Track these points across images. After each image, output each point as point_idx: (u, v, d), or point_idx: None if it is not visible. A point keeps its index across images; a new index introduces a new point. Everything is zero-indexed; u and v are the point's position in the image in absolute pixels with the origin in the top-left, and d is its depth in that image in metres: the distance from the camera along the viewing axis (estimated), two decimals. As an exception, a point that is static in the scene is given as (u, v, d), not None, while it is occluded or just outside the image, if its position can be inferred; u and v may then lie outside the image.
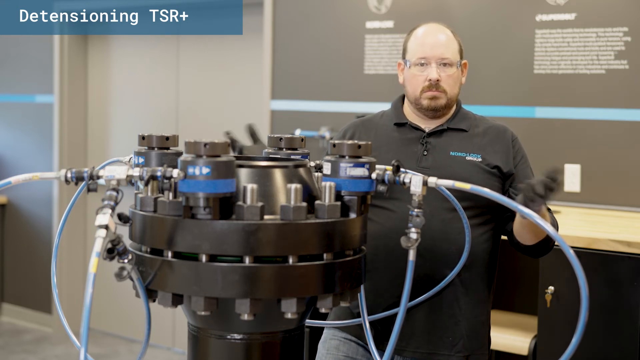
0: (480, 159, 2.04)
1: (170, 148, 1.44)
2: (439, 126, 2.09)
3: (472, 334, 2.06)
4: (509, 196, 2.04)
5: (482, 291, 2.08)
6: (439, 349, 2.03)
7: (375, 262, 1.99)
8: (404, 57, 2.13)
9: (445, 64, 2.05)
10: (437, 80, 2.04)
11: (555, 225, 2.04)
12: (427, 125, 2.10)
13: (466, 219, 1.76)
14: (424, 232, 1.91)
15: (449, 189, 1.54)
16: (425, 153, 2.05)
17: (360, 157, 1.32)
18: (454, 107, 2.13)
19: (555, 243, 2.01)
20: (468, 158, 2.04)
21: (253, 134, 1.79)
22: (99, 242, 1.16)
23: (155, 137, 1.43)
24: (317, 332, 3.17)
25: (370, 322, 2.03)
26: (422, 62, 2.06)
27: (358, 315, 1.97)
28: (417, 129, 2.10)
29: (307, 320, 1.45)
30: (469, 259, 1.98)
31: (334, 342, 2.12)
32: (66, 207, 1.98)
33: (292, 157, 1.53)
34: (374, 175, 1.33)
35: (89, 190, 1.29)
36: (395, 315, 1.37)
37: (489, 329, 2.15)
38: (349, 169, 1.31)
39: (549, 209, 2.07)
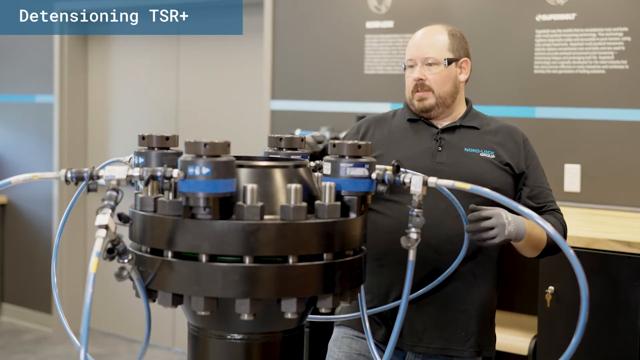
0: (493, 156, 2.06)
1: (170, 148, 1.44)
2: (452, 123, 2.11)
3: (483, 329, 2.07)
4: (521, 195, 2.07)
5: (491, 287, 2.09)
6: (451, 344, 2.04)
7: (388, 256, 2.00)
8: None
9: (430, 64, 2.08)
10: (421, 79, 2.07)
11: (561, 231, 2.06)
12: (440, 122, 2.12)
13: (465, 215, 1.79)
14: (438, 228, 1.94)
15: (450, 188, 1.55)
16: (440, 149, 2.07)
17: (360, 157, 1.32)
18: (464, 106, 2.15)
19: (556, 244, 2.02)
20: (482, 155, 2.06)
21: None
22: (99, 242, 1.16)
23: (155, 137, 1.43)
24: (319, 331, 3.17)
25: (381, 318, 2.04)
26: (411, 64, 2.11)
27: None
28: (430, 125, 2.11)
29: (310, 316, 1.45)
30: (481, 253, 2.00)
31: (346, 340, 2.12)
32: (66, 207, 1.98)
33: (292, 157, 1.53)
34: (374, 175, 1.33)
35: (89, 190, 1.29)
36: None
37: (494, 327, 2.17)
38: (349, 169, 1.31)
39: (557, 210, 2.10)
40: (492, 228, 1.81)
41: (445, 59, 2.08)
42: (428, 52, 2.08)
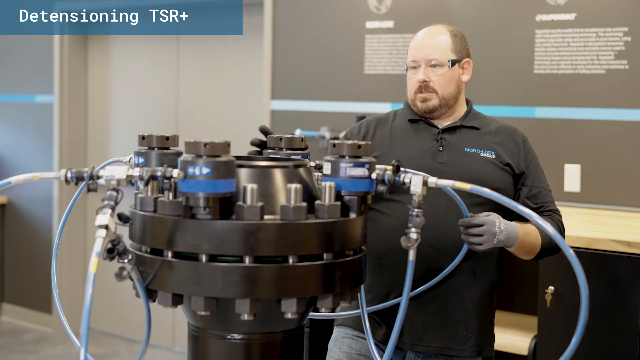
0: (494, 156, 2.07)
1: (170, 148, 1.44)
2: (453, 123, 2.11)
3: (483, 329, 2.08)
4: (520, 195, 2.08)
5: (492, 286, 2.10)
6: (452, 343, 2.04)
7: (390, 255, 2.01)
8: None
9: (434, 65, 2.08)
10: (425, 81, 2.07)
11: (560, 231, 2.07)
12: (440, 122, 2.12)
13: (467, 212, 1.80)
14: (439, 228, 1.95)
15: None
16: (441, 149, 2.07)
17: (360, 157, 1.32)
18: (464, 106, 2.15)
19: (555, 245, 2.02)
20: (483, 155, 2.06)
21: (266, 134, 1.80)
22: (99, 242, 1.16)
23: (155, 137, 1.43)
24: (319, 331, 3.17)
25: (381, 318, 2.04)
26: (414, 65, 2.11)
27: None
28: (431, 125, 2.11)
29: (311, 314, 1.45)
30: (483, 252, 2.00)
31: (347, 340, 2.12)
32: (66, 207, 1.98)
33: (292, 157, 1.53)
34: (374, 175, 1.33)
35: (89, 190, 1.29)
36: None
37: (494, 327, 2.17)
38: (349, 169, 1.31)
39: (555, 211, 2.10)
40: (480, 235, 1.81)
41: (449, 61, 2.08)
42: (431, 54, 2.08)
